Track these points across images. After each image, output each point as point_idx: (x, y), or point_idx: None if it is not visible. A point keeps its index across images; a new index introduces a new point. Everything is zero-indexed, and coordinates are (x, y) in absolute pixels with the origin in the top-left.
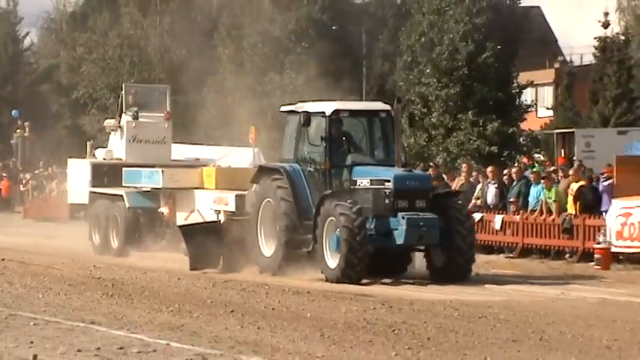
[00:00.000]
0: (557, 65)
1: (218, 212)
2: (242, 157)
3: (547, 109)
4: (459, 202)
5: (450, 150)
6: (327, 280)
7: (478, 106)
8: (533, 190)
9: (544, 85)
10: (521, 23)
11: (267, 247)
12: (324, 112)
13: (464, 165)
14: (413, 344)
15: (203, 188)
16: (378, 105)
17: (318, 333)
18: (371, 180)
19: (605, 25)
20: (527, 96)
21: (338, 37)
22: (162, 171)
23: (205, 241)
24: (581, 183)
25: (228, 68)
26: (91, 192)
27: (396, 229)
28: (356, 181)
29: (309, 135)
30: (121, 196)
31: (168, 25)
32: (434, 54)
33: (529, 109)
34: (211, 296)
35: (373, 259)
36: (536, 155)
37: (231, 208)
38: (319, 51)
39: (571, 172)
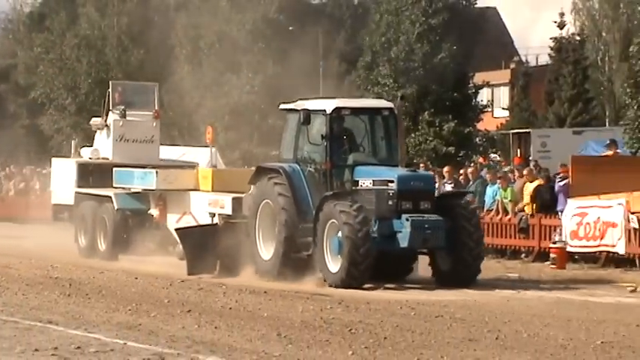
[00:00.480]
0: (512, 66)
1: (213, 215)
2: (199, 158)
3: (503, 109)
4: (466, 201)
5: (408, 150)
6: (330, 285)
7: (434, 106)
8: (489, 190)
9: (500, 85)
10: (477, 24)
11: (266, 251)
12: (324, 110)
13: (420, 165)
14: (369, 343)
15: (198, 190)
16: (381, 102)
17: (275, 332)
18: (373, 180)
19: (561, 25)
20: (484, 96)
21: (295, 37)
22: (157, 172)
23: (202, 244)
24: (538, 183)
25: (186, 68)
26: (76, 192)
27: (400, 231)
28: (358, 181)
29: (309, 134)
30: (110, 197)
31: (126, 25)
32: (392, 54)
33: (485, 110)
34: (169, 296)
35: (375, 263)
36: (493, 155)
37: (228, 211)
38: (276, 51)
39: (525, 172)
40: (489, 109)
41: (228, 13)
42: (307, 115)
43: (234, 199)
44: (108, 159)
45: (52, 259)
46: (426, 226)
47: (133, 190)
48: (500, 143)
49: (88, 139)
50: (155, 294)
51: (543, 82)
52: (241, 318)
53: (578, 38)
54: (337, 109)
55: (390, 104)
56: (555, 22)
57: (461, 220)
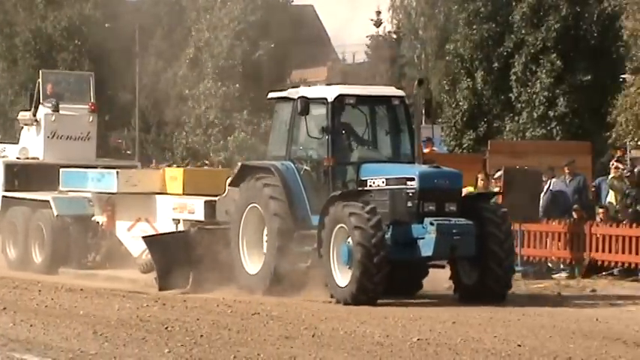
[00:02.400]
0: (329, 63)
1: (177, 222)
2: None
3: None
4: (494, 204)
5: (230, 149)
6: (338, 302)
7: (253, 104)
8: None
9: (317, 82)
10: (294, 22)
11: (252, 264)
12: (325, 99)
13: (239, 164)
14: (186, 341)
15: (165, 193)
16: (390, 90)
17: (91, 330)
18: (386, 179)
19: (378, 23)
20: None
21: (111, 34)
22: (117, 172)
23: (175, 255)
24: None
25: (1, 65)
26: (4, 197)
27: (422, 237)
28: (365, 180)
29: (307, 126)
30: (47, 201)
31: None
32: (215, 52)
33: None
34: None
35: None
36: None
37: (199, 216)
38: (92, 48)
39: None
40: None
41: (43, 9)
42: (305, 104)
43: (206, 202)
44: (38, 158)
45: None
46: (455, 231)
47: (76, 194)
48: None
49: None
50: None
51: (360, 80)
52: (57, 316)
53: (394, 36)
54: (340, 97)
55: (401, 92)
56: (372, 20)
57: (489, 225)
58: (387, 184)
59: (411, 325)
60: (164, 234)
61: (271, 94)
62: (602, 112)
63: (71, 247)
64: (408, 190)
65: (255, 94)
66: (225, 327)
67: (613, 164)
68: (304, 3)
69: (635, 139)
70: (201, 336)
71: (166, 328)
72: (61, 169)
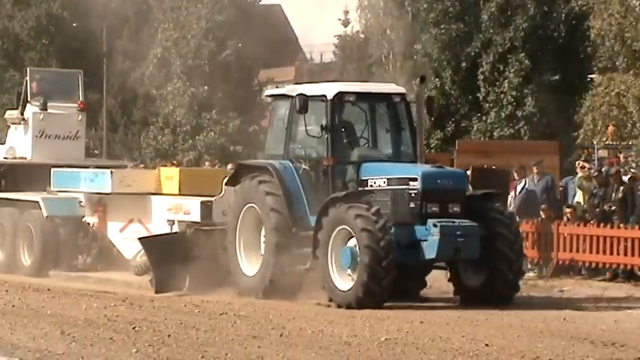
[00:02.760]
0: (297, 63)
1: (172, 223)
2: None
3: None
4: (500, 204)
5: (199, 148)
6: (339, 306)
7: (221, 104)
8: None
9: (285, 82)
10: (262, 22)
11: (249, 265)
12: (324, 96)
13: (206, 163)
14: (154, 341)
15: (160, 194)
16: (391, 87)
17: (59, 330)
18: (388, 179)
19: (346, 23)
20: None
21: (79, 34)
22: (112, 172)
23: (172, 256)
24: None
25: None
26: None
27: (425, 239)
28: (366, 180)
29: (306, 124)
30: (37, 202)
31: None
32: (182, 51)
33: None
34: None
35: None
36: None
37: (195, 217)
38: (60, 48)
39: None
40: None
41: (10, 9)
42: (304, 102)
43: (203, 203)
44: (26, 158)
45: None
46: (459, 233)
47: (66, 195)
48: None
49: None
50: None
51: (328, 80)
52: (24, 316)
53: (362, 36)
54: (340, 95)
55: (401, 89)
56: (340, 20)
57: (497, 226)
58: (388, 185)
59: (378, 325)
60: (161, 235)
61: (268, 92)
62: (570, 111)
63: (61, 248)
64: (411, 191)
65: (224, 93)
66: (193, 327)
67: (579, 164)
68: (272, 3)
69: (603, 139)
70: (169, 336)
71: (134, 327)
72: (52, 169)
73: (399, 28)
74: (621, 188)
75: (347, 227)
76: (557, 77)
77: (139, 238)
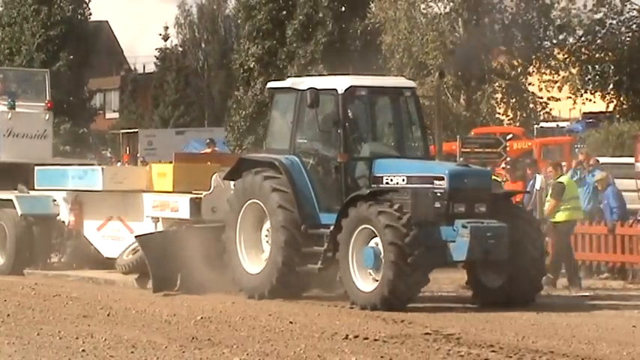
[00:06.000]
0: (122, 73)
1: (157, 220)
2: None
3: (114, 111)
4: (521, 203)
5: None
6: (362, 307)
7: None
8: None
9: (111, 90)
10: (91, 36)
11: (251, 263)
12: (335, 90)
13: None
14: None
15: (152, 191)
16: (401, 81)
17: None
18: (407, 177)
19: (165, 37)
20: (97, 100)
21: None
22: (103, 169)
23: (167, 254)
24: None
25: None
26: None
27: (453, 240)
28: (381, 177)
29: (318, 118)
30: (10, 200)
31: None
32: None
33: (98, 112)
34: None
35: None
36: (104, 152)
37: (184, 214)
38: None
39: None
40: (102, 112)
41: None
42: (316, 96)
43: (192, 200)
44: None
45: None
46: (489, 234)
47: (40, 193)
48: (111, 142)
49: None
50: None
51: (150, 88)
52: None
53: (180, 49)
54: (352, 89)
55: (412, 83)
56: (160, 34)
57: (522, 224)
58: (408, 183)
59: (195, 306)
60: (156, 233)
61: (270, 84)
62: None
63: (35, 247)
64: (436, 190)
65: (55, 101)
66: (29, 307)
67: None
68: (100, 19)
69: None
70: (8, 315)
71: None
72: (36, 167)
73: (213, 42)
74: None
75: (369, 226)
76: None
77: (136, 236)
